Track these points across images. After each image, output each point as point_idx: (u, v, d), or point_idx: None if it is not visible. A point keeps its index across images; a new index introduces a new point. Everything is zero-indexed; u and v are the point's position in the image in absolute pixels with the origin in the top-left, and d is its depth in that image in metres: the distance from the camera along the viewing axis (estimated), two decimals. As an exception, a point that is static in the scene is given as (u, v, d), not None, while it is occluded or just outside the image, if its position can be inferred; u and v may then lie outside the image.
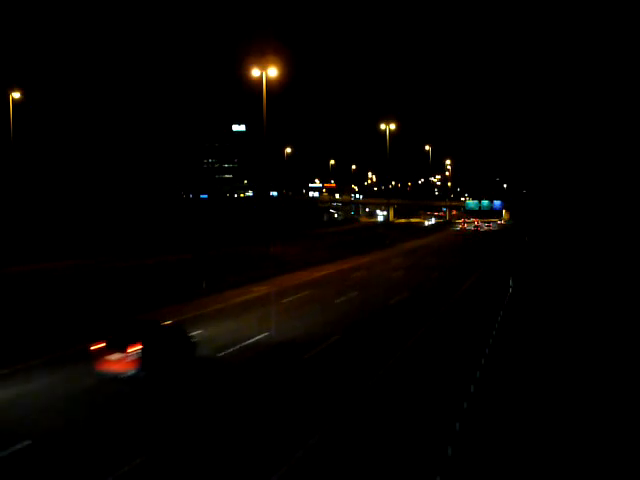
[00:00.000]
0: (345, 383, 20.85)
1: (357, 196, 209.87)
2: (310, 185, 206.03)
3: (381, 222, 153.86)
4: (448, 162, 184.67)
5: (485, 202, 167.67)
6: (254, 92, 63.16)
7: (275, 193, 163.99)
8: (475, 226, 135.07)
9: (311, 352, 24.93)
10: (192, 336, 24.45)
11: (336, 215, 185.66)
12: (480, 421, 16.87)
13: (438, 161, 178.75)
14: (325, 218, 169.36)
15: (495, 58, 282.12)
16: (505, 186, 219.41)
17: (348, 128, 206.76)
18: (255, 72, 55.52)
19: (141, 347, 21.11)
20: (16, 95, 62.73)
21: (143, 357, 21.06)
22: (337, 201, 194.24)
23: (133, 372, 20.94)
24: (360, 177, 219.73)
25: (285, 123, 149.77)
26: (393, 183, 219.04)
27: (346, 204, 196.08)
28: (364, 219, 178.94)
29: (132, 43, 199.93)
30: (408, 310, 34.81)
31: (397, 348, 25.59)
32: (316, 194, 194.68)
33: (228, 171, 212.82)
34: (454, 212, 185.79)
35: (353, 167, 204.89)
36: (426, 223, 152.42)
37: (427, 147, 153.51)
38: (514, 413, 17.66)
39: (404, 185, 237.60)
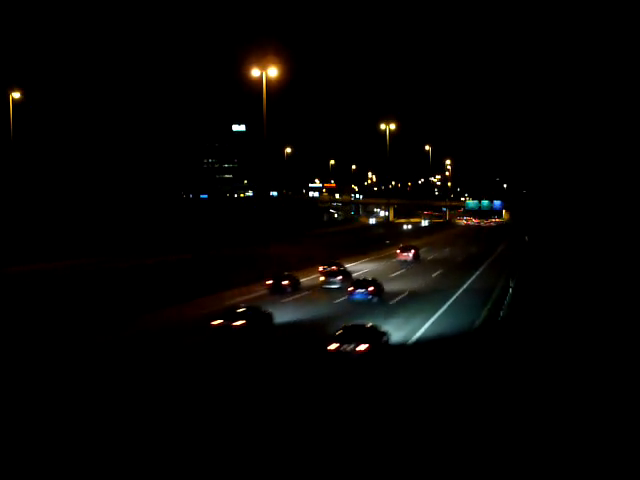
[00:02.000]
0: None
1: (357, 196, 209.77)
2: (310, 185, 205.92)
3: (377, 223, 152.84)
4: (448, 162, 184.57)
5: (485, 202, 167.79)
6: (254, 92, 63.08)
7: (275, 193, 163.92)
8: (475, 223, 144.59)
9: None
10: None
11: (336, 215, 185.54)
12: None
13: (438, 161, 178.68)
14: (325, 218, 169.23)
15: (494, 58, 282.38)
16: (505, 186, 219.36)
17: (348, 128, 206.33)
18: (255, 72, 55.47)
19: (414, 251, 62.08)
20: (16, 95, 62.68)
21: (414, 255, 61.54)
22: (337, 201, 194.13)
23: (411, 260, 60.46)
24: (360, 177, 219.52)
25: (285, 123, 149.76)
26: (393, 183, 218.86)
27: (346, 204, 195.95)
28: (364, 219, 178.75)
29: (132, 44, 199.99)
30: (410, 310, 35.19)
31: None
32: (316, 194, 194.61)
33: (228, 171, 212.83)
34: (457, 211, 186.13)
35: (353, 167, 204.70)
36: (422, 224, 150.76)
37: (427, 147, 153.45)
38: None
39: (404, 185, 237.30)
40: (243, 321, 27.44)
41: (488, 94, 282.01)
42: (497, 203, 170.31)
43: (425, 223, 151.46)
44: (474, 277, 48.83)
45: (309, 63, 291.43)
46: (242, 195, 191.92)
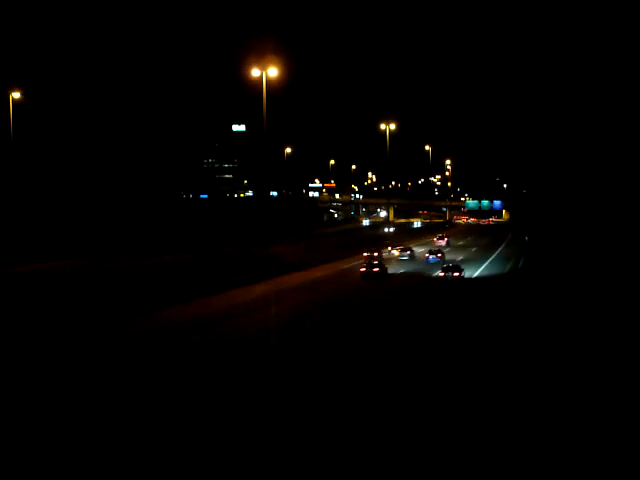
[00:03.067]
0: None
1: (357, 196, 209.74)
2: (310, 185, 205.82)
3: (377, 223, 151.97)
4: (448, 162, 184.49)
5: (485, 202, 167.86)
6: (254, 92, 63.12)
7: (275, 193, 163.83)
8: (474, 222, 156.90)
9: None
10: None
11: (336, 215, 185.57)
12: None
13: (438, 161, 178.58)
14: (325, 218, 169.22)
15: (494, 58, 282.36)
16: (505, 186, 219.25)
17: (348, 128, 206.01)
18: (255, 72, 55.54)
19: (447, 239, 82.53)
20: (16, 95, 62.65)
21: (447, 242, 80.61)
22: (337, 201, 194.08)
23: (445, 245, 77.86)
24: (360, 177, 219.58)
25: (285, 123, 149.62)
26: (393, 183, 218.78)
27: (346, 204, 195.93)
28: (364, 219, 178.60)
29: (132, 43, 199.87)
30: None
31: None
32: (316, 194, 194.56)
33: (228, 171, 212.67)
34: (457, 211, 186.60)
35: (353, 167, 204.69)
36: (416, 225, 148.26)
37: (427, 147, 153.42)
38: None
39: (404, 185, 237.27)
40: (378, 268, 47.69)
41: (488, 94, 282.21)
42: (497, 203, 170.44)
43: (418, 224, 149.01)
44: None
45: (309, 63, 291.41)
46: (242, 195, 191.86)
